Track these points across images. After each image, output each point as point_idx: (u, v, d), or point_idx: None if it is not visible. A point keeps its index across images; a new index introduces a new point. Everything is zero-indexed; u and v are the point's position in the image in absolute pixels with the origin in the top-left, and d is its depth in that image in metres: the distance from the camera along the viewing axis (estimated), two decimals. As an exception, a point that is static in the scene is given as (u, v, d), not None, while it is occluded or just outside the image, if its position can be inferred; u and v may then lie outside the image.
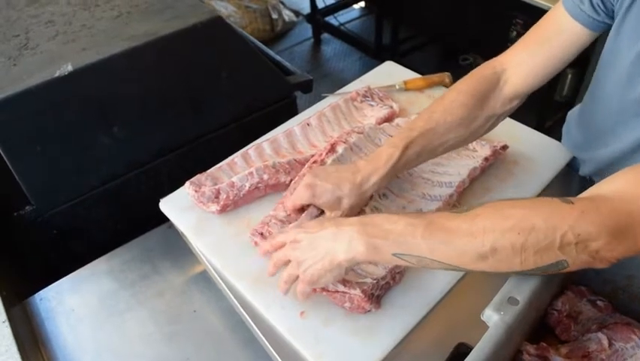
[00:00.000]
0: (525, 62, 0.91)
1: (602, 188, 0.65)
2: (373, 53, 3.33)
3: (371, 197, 0.93)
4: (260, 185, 1.00)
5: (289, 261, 0.78)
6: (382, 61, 1.41)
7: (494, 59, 0.95)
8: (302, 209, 0.93)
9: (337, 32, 3.59)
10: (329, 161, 1.02)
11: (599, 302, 0.80)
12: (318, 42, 3.70)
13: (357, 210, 0.91)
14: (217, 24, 1.17)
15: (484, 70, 0.94)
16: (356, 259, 0.72)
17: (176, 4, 1.22)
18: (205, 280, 1.02)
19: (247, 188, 0.99)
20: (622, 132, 0.90)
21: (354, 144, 1.05)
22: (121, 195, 1.18)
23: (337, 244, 0.72)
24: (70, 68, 1.02)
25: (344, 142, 1.05)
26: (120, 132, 1.12)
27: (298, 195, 0.89)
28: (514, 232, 0.61)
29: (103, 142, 1.11)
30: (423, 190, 0.99)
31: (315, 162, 1.02)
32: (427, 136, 0.89)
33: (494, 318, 0.63)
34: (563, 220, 0.60)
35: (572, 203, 0.62)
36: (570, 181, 1.07)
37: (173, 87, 1.16)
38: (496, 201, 0.67)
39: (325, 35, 3.71)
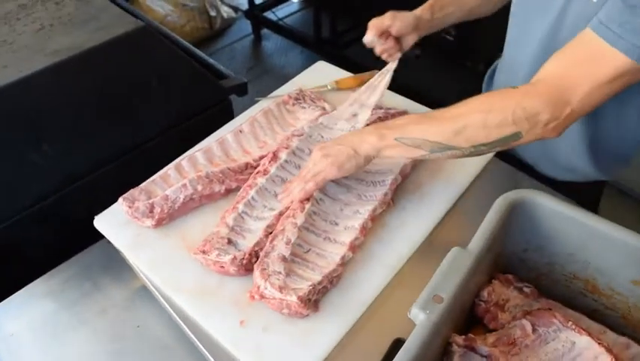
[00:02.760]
0: None
1: (538, 74, 0.85)
2: (314, 47, 3.32)
3: None
4: (194, 196, 0.99)
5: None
6: (323, 54, 1.42)
7: None
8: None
9: (276, 27, 3.55)
10: (273, 170, 1.02)
11: (525, 288, 0.84)
12: (258, 38, 3.67)
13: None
14: (143, 33, 1.16)
15: None
16: (371, 150, 0.92)
17: (100, 15, 1.20)
18: (147, 293, 1.01)
19: (181, 200, 0.98)
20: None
21: (297, 147, 1.06)
22: (56, 213, 1.15)
23: (359, 136, 0.94)
24: (-10, 87, 0.99)
25: (286, 148, 1.06)
26: (50, 148, 1.10)
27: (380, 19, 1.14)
28: (478, 113, 0.84)
29: (32, 159, 1.08)
30: (358, 192, 1.01)
31: (258, 172, 1.03)
32: None
33: (420, 316, 0.65)
34: (511, 100, 0.82)
35: (517, 88, 0.84)
36: (499, 170, 1.11)
37: (101, 100, 1.15)
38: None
39: (265, 31, 3.67)
